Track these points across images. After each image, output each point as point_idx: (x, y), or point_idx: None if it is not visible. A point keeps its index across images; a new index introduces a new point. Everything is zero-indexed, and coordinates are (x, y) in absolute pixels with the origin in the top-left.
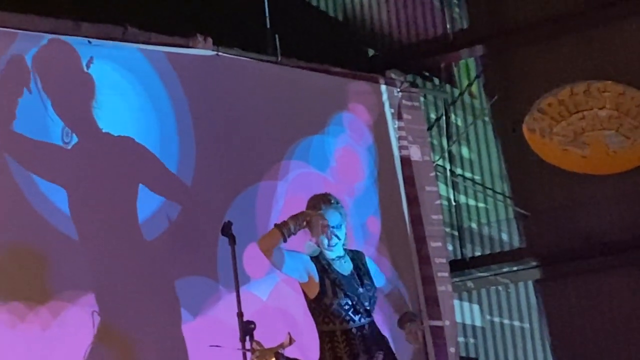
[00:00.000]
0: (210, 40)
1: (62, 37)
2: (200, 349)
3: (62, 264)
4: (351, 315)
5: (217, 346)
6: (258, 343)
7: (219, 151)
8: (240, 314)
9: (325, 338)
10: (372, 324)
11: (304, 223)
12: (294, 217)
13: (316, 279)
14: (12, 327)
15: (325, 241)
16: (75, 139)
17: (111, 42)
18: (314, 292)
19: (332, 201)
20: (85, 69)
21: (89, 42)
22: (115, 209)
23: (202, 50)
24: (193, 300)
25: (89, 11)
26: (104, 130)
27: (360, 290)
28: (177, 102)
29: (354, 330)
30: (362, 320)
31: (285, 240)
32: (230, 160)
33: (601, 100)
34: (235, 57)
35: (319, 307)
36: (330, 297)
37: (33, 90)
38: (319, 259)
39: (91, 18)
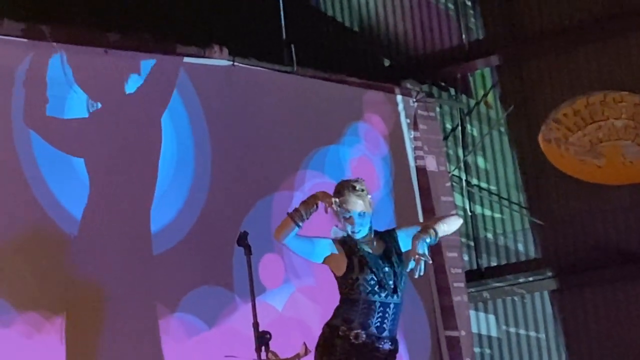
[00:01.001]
0: (226, 50)
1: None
2: (215, 359)
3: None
4: (377, 290)
5: (232, 357)
6: (274, 353)
7: (235, 161)
8: (255, 324)
9: (346, 302)
10: (397, 307)
11: (315, 207)
12: (304, 202)
13: (344, 257)
14: (29, 338)
15: (349, 227)
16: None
17: (128, 52)
18: (341, 269)
19: (357, 188)
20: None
21: (106, 52)
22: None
23: (218, 60)
24: (209, 310)
25: (106, 21)
26: None
27: (386, 269)
28: (193, 111)
29: (377, 303)
30: (388, 298)
31: (299, 226)
32: (246, 170)
33: (617, 110)
34: (251, 67)
35: (345, 281)
36: (357, 272)
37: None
38: (346, 241)
39: (107, 29)
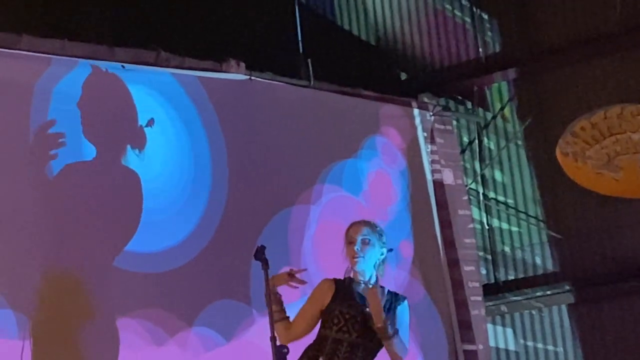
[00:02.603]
0: (243, 64)
1: (96, 62)
2: None
3: None
4: (349, 327)
5: None
6: None
7: (252, 175)
8: (273, 338)
9: (316, 339)
10: (368, 350)
11: (274, 288)
12: (267, 300)
13: (333, 288)
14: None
15: (350, 260)
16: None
17: (144, 66)
18: (327, 300)
19: (372, 223)
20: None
21: (123, 66)
22: None
23: (235, 75)
24: (226, 324)
25: (122, 36)
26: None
27: (367, 310)
28: (210, 126)
29: (345, 343)
30: (358, 339)
31: (287, 318)
32: (263, 184)
33: (635, 123)
34: (268, 81)
35: (326, 311)
36: (339, 303)
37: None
38: (344, 280)
39: (124, 43)
